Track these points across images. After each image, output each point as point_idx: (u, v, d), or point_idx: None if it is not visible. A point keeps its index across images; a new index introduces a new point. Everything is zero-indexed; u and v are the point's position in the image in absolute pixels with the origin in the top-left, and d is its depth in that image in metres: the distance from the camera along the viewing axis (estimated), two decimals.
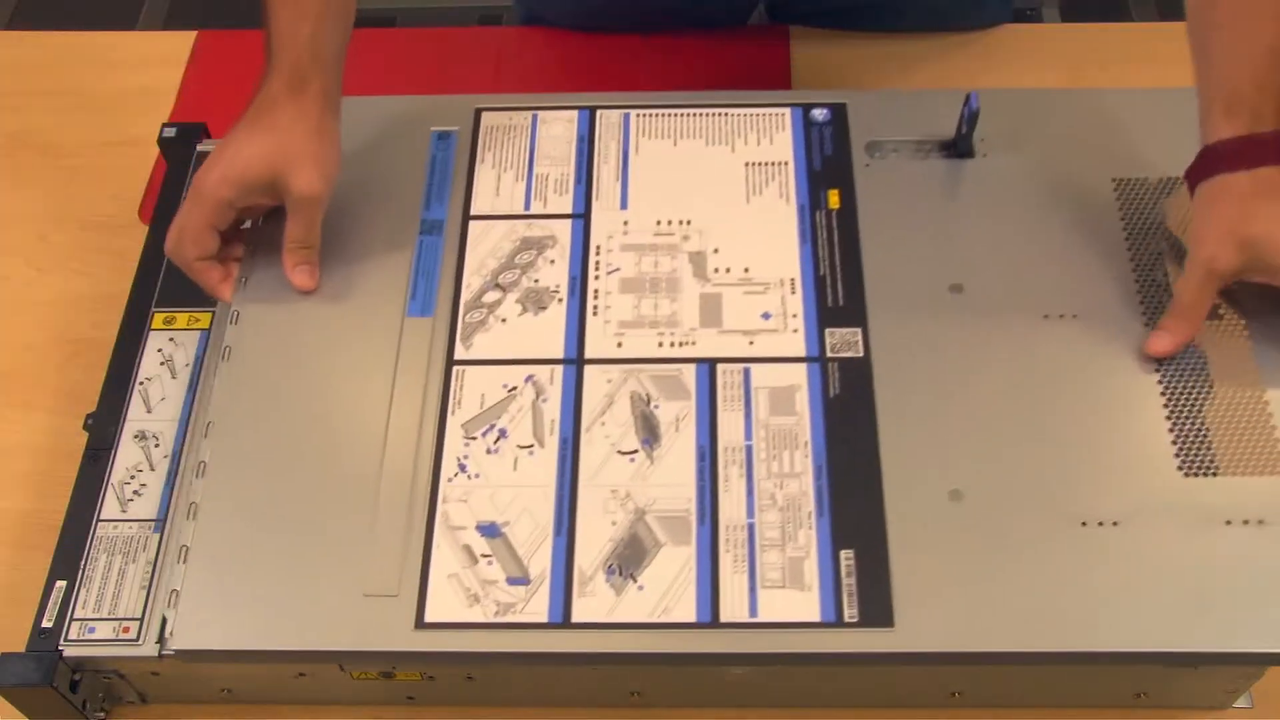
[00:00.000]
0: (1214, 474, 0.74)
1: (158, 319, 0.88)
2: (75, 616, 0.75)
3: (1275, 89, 0.76)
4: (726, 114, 0.91)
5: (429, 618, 0.71)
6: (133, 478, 0.80)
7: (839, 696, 0.78)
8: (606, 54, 1.13)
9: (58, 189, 1.06)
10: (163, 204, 0.93)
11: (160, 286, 0.89)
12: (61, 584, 0.77)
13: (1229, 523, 0.72)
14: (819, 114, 0.91)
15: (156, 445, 0.82)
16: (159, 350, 0.86)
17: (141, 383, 0.84)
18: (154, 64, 1.15)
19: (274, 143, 0.80)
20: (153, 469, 0.81)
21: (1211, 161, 0.77)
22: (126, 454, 0.81)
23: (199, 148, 0.95)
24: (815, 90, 0.93)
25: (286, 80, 0.80)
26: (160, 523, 0.78)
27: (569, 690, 0.77)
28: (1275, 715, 0.78)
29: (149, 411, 0.83)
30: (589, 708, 0.79)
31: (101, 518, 0.79)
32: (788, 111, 0.91)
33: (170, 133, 0.96)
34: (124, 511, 0.79)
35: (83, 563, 0.77)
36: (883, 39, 1.13)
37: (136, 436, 0.82)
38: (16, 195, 1.06)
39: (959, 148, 0.88)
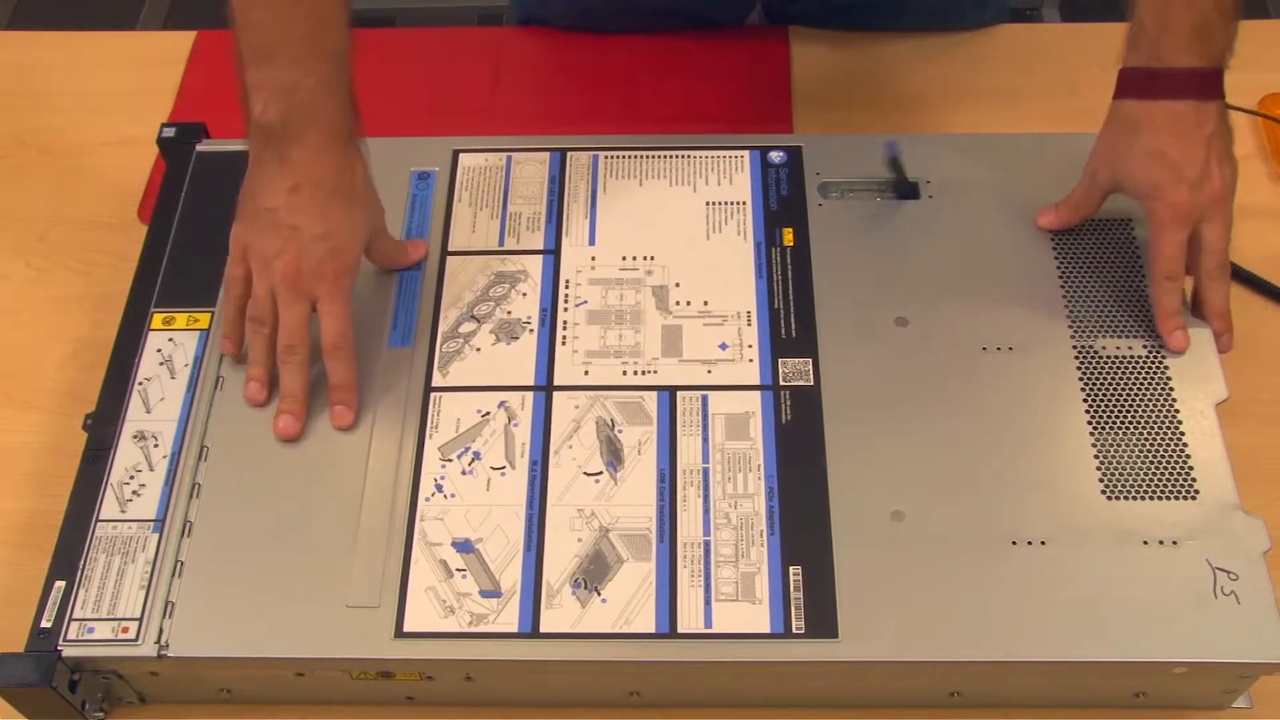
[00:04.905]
0: (1133, 498, 0.75)
1: (157, 319, 0.84)
2: (74, 616, 0.72)
3: (1182, 27, 0.75)
4: (689, 156, 0.91)
5: (408, 627, 0.72)
6: (132, 478, 0.77)
7: (838, 697, 0.77)
8: (606, 54, 1.09)
9: (58, 189, 1.03)
10: (162, 204, 0.90)
11: (160, 286, 0.85)
12: (60, 584, 0.74)
13: (1146, 543, 0.73)
14: (776, 156, 0.90)
15: (156, 445, 0.78)
16: (158, 350, 0.82)
17: (141, 383, 0.81)
18: (154, 64, 1.10)
19: (363, 215, 0.81)
20: (152, 469, 0.77)
21: (1121, 82, 0.80)
22: (126, 454, 0.78)
23: (198, 148, 0.92)
24: (771, 135, 0.92)
25: (338, 139, 0.79)
26: (159, 523, 0.75)
27: (568, 690, 0.76)
28: (1275, 715, 0.77)
29: (148, 411, 0.80)
30: (588, 707, 0.77)
31: (101, 518, 0.76)
32: (746, 154, 0.90)
33: (170, 133, 0.94)
34: (123, 511, 0.76)
35: (82, 563, 0.74)
36: (882, 39, 1.09)
37: (136, 436, 0.79)
38: (16, 195, 1.02)
39: (900, 190, 0.88)
